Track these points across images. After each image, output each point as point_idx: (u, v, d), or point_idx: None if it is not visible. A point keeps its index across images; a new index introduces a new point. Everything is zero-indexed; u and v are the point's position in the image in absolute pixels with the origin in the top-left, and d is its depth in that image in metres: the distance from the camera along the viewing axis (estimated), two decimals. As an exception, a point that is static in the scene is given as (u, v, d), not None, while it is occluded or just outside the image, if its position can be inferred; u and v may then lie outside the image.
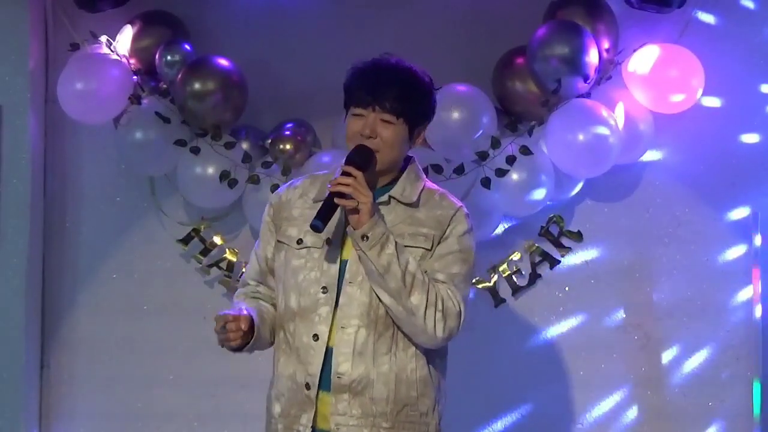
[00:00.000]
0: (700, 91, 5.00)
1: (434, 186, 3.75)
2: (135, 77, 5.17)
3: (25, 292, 5.25)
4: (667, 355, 5.21)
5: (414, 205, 3.65)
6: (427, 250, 3.61)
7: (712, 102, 5.18)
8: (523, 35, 5.06)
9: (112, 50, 5.16)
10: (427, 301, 3.54)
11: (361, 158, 3.57)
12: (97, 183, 5.41)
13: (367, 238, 3.51)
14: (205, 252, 5.31)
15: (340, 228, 3.62)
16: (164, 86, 5.16)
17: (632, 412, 5.22)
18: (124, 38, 5.20)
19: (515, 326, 5.26)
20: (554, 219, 5.25)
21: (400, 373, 3.60)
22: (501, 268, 5.26)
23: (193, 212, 5.33)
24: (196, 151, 5.11)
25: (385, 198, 3.64)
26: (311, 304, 3.61)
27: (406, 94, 3.61)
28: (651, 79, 4.99)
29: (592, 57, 4.94)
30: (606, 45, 5.05)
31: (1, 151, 5.27)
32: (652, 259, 5.23)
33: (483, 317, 5.26)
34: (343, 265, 3.61)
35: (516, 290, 5.26)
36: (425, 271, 3.59)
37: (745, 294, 5.18)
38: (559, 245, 5.25)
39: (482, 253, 5.22)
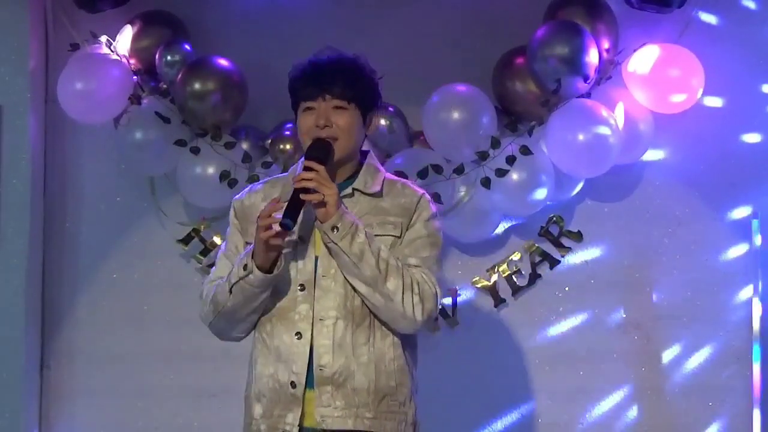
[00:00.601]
0: (700, 91, 5.00)
1: (394, 176, 3.77)
2: (135, 77, 5.17)
3: (25, 292, 5.26)
4: (667, 355, 5.21)
5: (378, 195, 3.67)
6: (396, 237, 3.64)
7: (713, 102, 5.18)
8: (523, 35, 5.06)
9: (112, 50, 5.16)
10: (403, 285, 3.56)
11: (320, 152, 3.58)
12: (97, 183, 5.42)
13: (337, 229, 3.52)
14: (205, 252, 5.32)
15: (309, 225, 3.63)
16: (164, 86, 5.16)
17: (632, 412, 5.21)
18: (124, 38, 5.20)
19: (515, 326, 5.26)
20: (554, 219, 5.25)
21: (379, 363, 3.61)
22: (501, 268, 5.26)
23: (193, 212, 5.33)
24: (196, 151, 5.11)
25: (348, 191, 3.66)
26: (289, 303, 3.62)
27: (353, 79, 3.64)
28: (651, 79, 4.99)
29: (592, 57, 4.94)
30: (606, 45, 5.05)
31: (1, 151, 5.27)
32: (652, 259, 5.22)
33: (483, 317, 5.26)
34: (316, 260, 3.62)
35: (516, 290, 5.26)
36: (397, 258, 3.60)
37: (745, 294, 5.18)
38: (559, 245, 5.25)
39: (482, 253, 5.26)
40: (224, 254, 3.77)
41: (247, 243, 3.70)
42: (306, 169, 3.54)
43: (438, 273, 3.67)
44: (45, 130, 5.39)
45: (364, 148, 3.76)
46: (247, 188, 3.81)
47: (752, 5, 5.20)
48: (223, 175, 5.08)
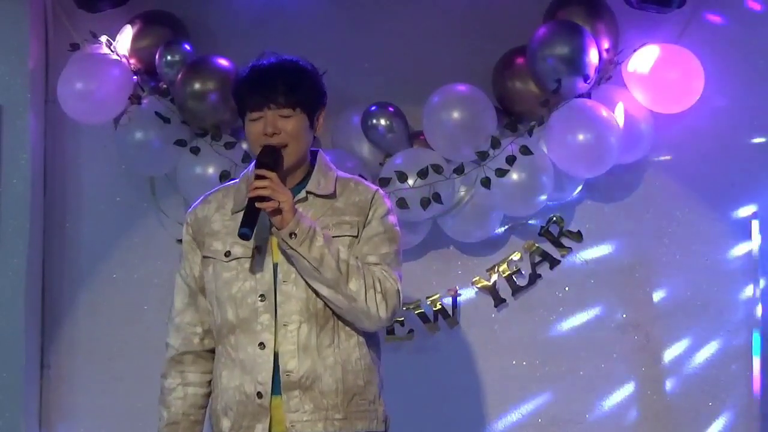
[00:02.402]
0: (700, 92, 5.00)
1: (347, 175, 3.79)
2: (135, 77, 5.18)
3: (25, 292, 5.26)
4: (668, 355, 5.21)
5: (332, 196, 3.69)
6: (353, 237, 3.65)
7: (713, 102, 5.18)
8: (523, 35, 5.06)
9: (112, 50, 5.16)
10: (365, 285, 3.58)
11: (270, 158, 3.60)
12: (97, 183, 5.42)
13: (295, 235, 3.53)
14: (205, 252, 5.31)
15: (265, 233, 3.64)
16: (164, 86, 5.17)
17: (632, 412, 5.22)
18: (124, 38, 5.20)
19: (515, 326, 5.26)
20: (554, 219, 5.25)
21: (346, 364, 3.63)
22: (501, 268, 5.26)
23: (193, 212, 5.33)
24: (196, 151, 5.11)
25: (302, 195, 3.67)
26: (251, 314, 3.62)
27: (294, 84, 3.65)
28: (651, 79, 4.99)
29: (592, 57, 4.95)
30: (606, 45, 5.05)
31: (1, 151, 5.27)
32: (652, 259, 5.23)
33: (483, 317, 5.26)
34: (275, 268, 3.63)
35: (516, 290, 5.26)
36: (356, 257, 3.62)
37: (746, 294, 5.18)
38: (559, 245, 5.25)
39: (482, 253, 5.26)
40: (182, 279, 3.81)
41: (204, 257, 3.72)
42: (258, 177, 3.55)
43: (398, 269, 3.69)
44: (45, 130, 5.39)
45: (313, 147, 3.77)
46: (200, 198, 3.82)
47: (756, 6, 5.19)
48: (223, 175, 5.08)
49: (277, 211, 3.54)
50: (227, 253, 3.66)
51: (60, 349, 5.40)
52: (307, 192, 3.68)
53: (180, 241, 5.26)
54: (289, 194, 3.56)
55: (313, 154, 3.75)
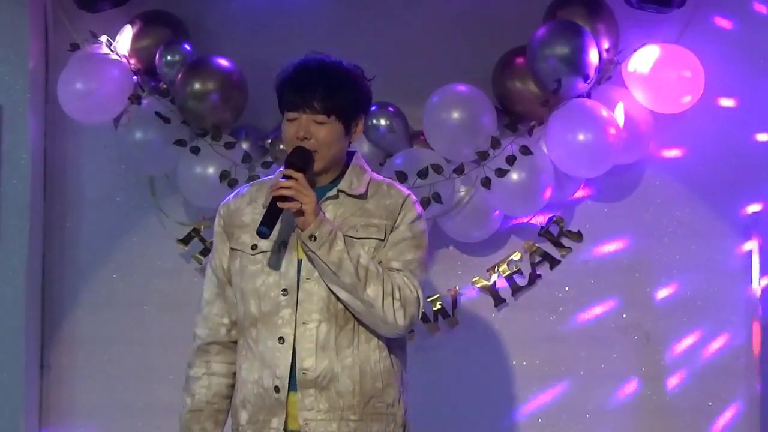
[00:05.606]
0: (700, 92, 5.01)
1: (380, 177, 3.78)
2: (135, 77, 5.18)
3: (25, 292, 5.26)
4: (668, 355, 5.21)
5: (363, 196, 3.68)
6: (380, 240, 3.64)
7: (713, 101, 5.18)
8: (523, 35, 5.06)
9: (112, 50, 5.17)
10: (383, 291, 3.57)
11: (299, 159, 3.59)
12: (97, 183, 5.42)
13: (315, 238, 3.53)
14: (205, 252, 5.32)
15: (292, 229, 3.63)
16: (164, 86, 5.17)
17: (633, 412, 5.22)
18: (124, 38, 5.21)
19: (515, 326, 5.26)
20: (554, 219, 5.25)
21: (364, 366, 3.62)
22: (501, 268, 5.26)
23: (193, 212, 5.34)
24: (196, 151, 5.12)
25: (333, 192, 3.67)
26: (273, 308, 3.63)
27: (332, 92, 3.63)
28: (651, 79, 4.99)
29: (592, 57, 4.95)
30: (606, 45, 5.05)
31: (1, 151, 5.28)
32: (652, 259, 5.23)
33: (483, 317, 5.26)
34: (299, 264, 3.63)
35: (516, 290, 5.26)
36: (379, 262, 3.61)
37: (746, 294, 5.18)
38: (559, 245, 5.25)
39: (482, 253, 5.26)
40: (212, 270, 3.79)
41: (232, 249, 3.72)
42: (285, 177, 3.55)
43: (421, 276, 3.67)
44: (45, 130, 5.40)
45: (351, 148, 3.76)
46: (234, 192, 3.83)
47: (762, 9, 5.19)
48: (223, 175, 5.08)
49: (300, 212, 3.54)
50: (254, 246, 3.66)
51: (60, 349, 5.40)
52: (339, 190, 3.67)
53: (180, 240, 5.33)
54: (314, 196, 3.55)
55: (350, 155, 3.74)
